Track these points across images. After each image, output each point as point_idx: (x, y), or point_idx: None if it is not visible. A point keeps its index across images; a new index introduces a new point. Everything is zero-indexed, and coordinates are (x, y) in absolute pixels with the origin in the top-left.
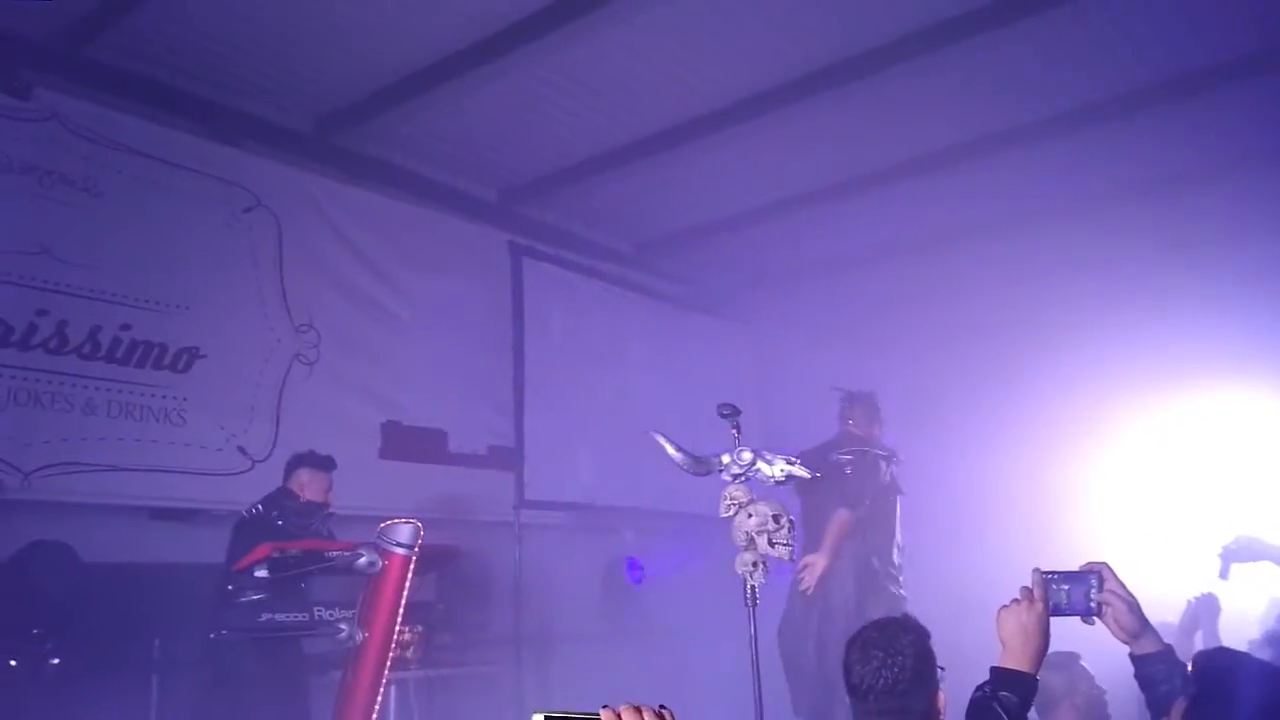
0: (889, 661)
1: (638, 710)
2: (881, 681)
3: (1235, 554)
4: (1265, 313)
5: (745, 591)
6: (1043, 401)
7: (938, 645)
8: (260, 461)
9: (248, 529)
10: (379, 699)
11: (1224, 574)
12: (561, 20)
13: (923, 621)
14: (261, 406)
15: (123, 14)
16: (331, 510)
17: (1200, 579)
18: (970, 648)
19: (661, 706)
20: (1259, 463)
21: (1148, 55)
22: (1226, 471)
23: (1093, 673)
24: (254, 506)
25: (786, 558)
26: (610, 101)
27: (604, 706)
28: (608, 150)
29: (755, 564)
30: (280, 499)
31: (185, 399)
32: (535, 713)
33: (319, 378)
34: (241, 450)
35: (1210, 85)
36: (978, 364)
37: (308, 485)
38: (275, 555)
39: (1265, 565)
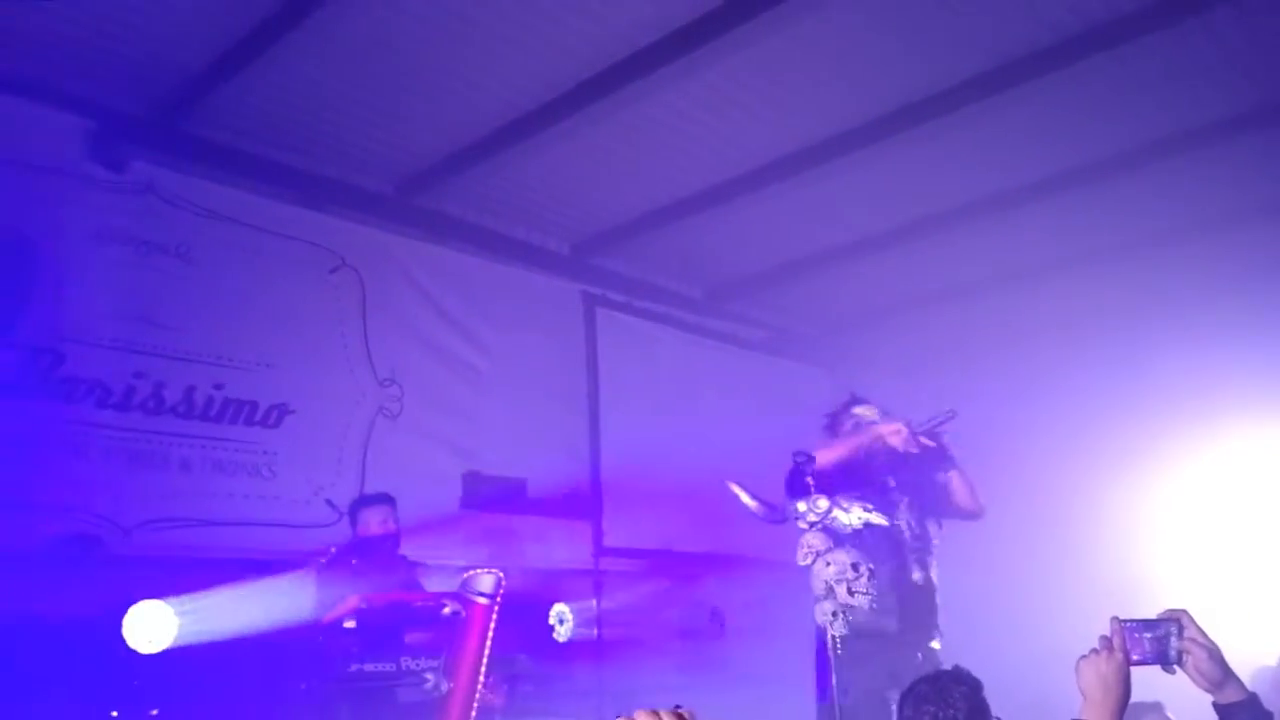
0: (940, 716)
1: (655, 714)
2: None
3: None
4: None
5: (827, 641)
6: (1120, 441)
7: (1013, 701)
8: (346, 514)
9: (330, 577)
10: None
11: None
12: (628, 78)
13: (978, 668)
14: (348, 459)
15: (211, 87)
16: (398, 538)
17: None
18: (1047, 702)
19: (677, 707)
20: None
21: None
22: None
23: None
24: (331, 551)
25: (867, 607)
26: (678, 152)
27: (618, 716)
28: (676, 199)
29: (835, 613)
30: (353, 543)
31: (275, 454)
32: None
33: (402, 430)
34: (329, 503)
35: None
36: (1055, 402)
37: (369, 523)
38: (363, 606)
39: None
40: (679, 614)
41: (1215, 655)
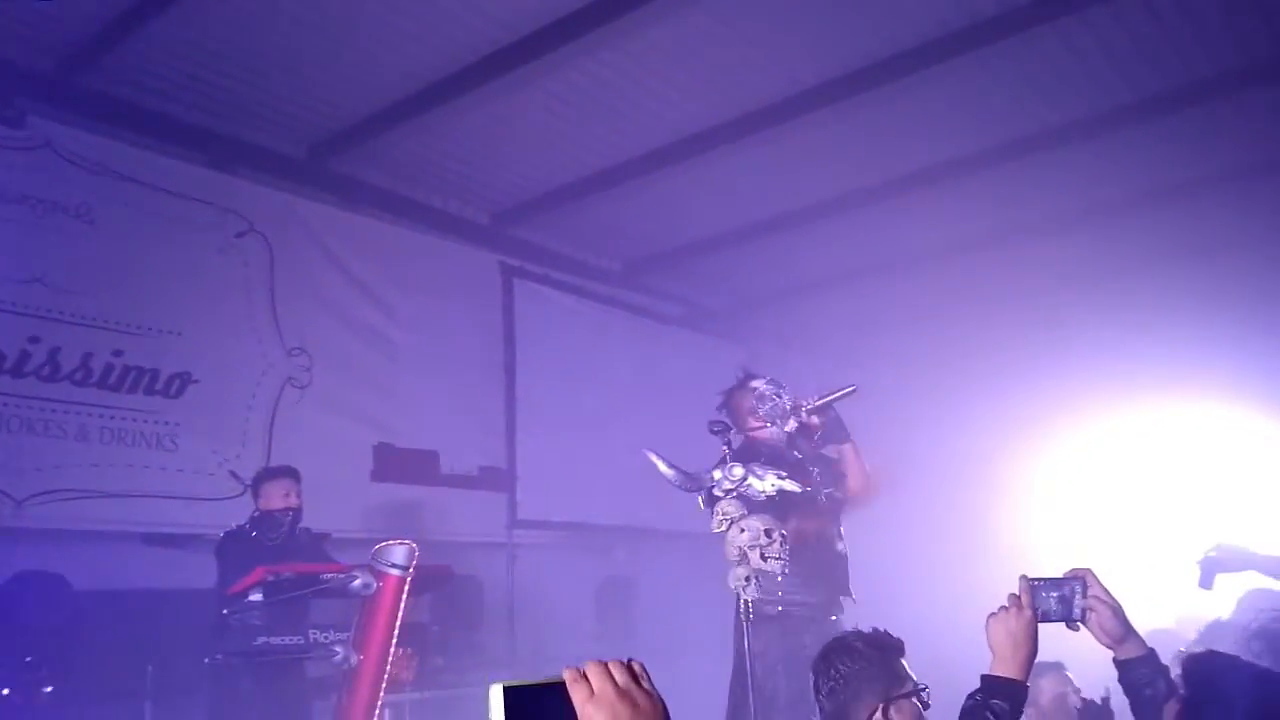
0: (822, 684)
1: (603, 664)
2: (821, 700)
3: (1219, 563)
4: (1254, 330)
5: (739, 606)
6: (1030, 415)
7: (922, 658)
8: (249, 486)
9: (231, 550)
10: None
11: (1206, 583)
12: (550, 45)
13: (903, 633)
14: (254, 431)
15: (115, 42)
16: (300, 511)
17: (1182, 588)
18: (957, 658)
19: (630, 658)
20: (1238, 474)
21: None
22: (1206, 482)
23: (1076, 682)
24: (231, 525)
25: (778, 571)
26: (599, 123)
27: (567, 669)
28: (597, 171)
29: (748, 579)
30: (254, 517)
31: (178, 424)
32: (493, 684)
33: (311, 401)
34: (234, 475)
35: (1195, 100)
36: (967, 380)
37: (271, 496)
38: (269, 579)
39: (1250, 575)
40: (593, 585)
41: (1118, 612)
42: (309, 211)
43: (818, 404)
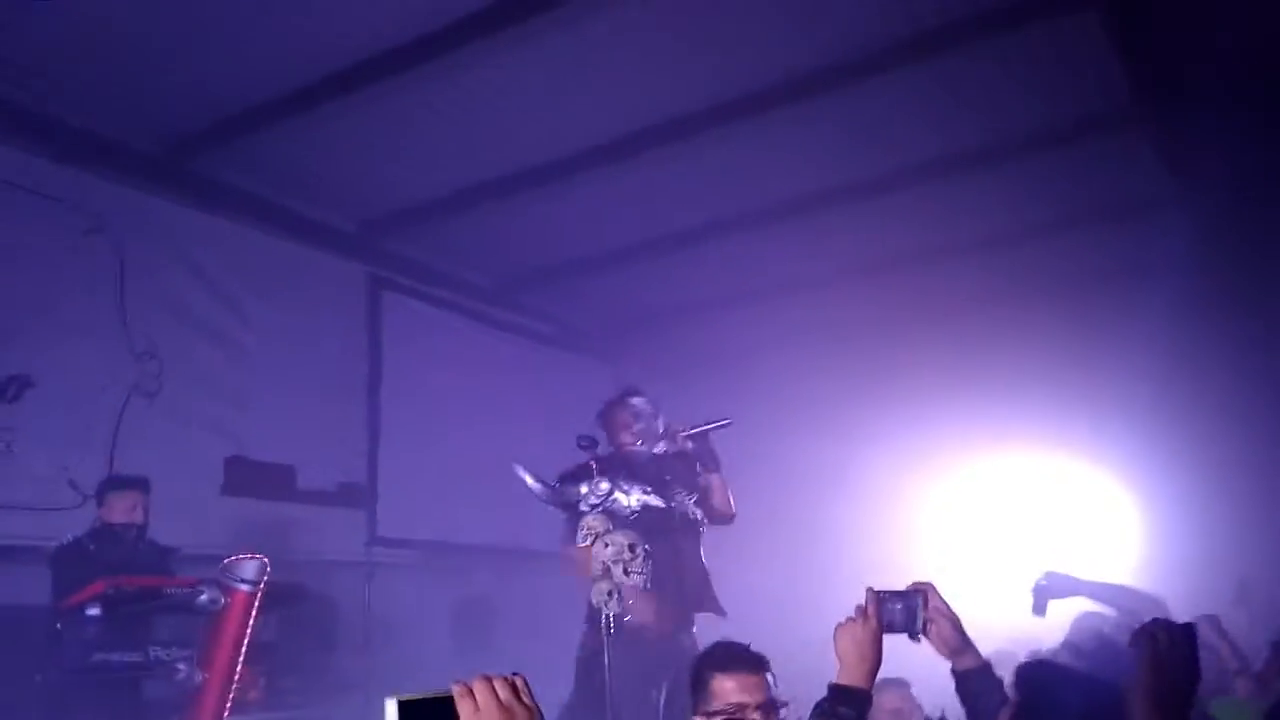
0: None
1: (488, 679)
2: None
3: (1049, 590)
4: (1085, 383)
5: (601, 620)
6: (887, 451)
7: (791, 672)
8: (92, 496)
9: (65, 562)
10: None
11: (1039, 610)
12: (427, 55)
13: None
14: (96, 438)
15: None
16: (145, 525)
17: (1019, 611)
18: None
19: (514, 674)
20: (1066, 511)
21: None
22: (1039, 519)
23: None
24: (67, 537)
25: (641, 586)
26: (475, 136)
27: (455, 681)
28: (470, 185)
29: (610, 593)
30: (94, 529)
31: (13, 429)
32: (389, 697)
33: (160, 409)
34: (72, 484)
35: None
36: (826, 409)
37: (114, 508)
38: (110, 592)
39: (1080, 601)
40: (452, 606)
41: (957, 624)
42: (164, 212)
43: (694, 431)
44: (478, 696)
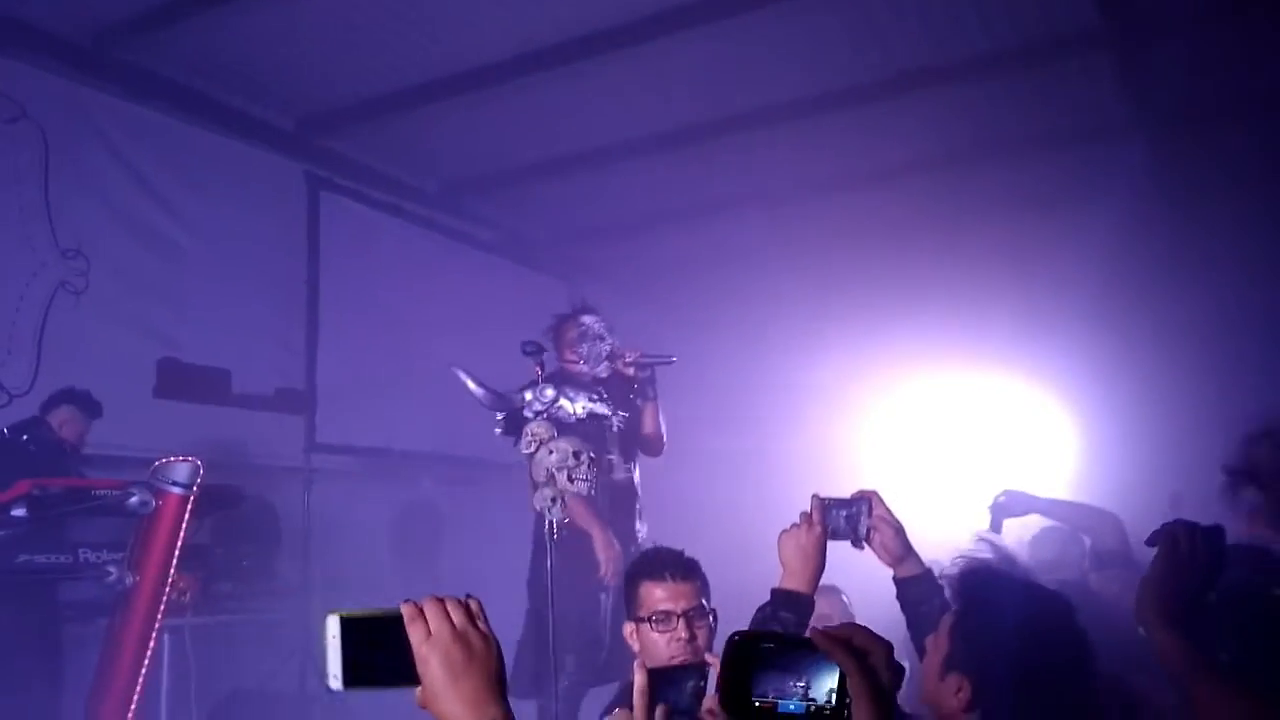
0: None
1: (440, 601)
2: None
3: (1005, 508)
4: (1027, 302)
5: (545, 527)
6: (833, 367)
7: (724, 583)
8: (19, 396)
9: None
10: (151, 647)
11: (996, 527)
12: None
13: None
14: (21, 337)
15: None
16: (85, 453)
17: (969, 528)
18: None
19: (468, 595)
20: (1023, 435)
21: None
22: (995, 440)
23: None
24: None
25: (585, 493)
26: (421, 31)
27: (405, 601)
28: (417, 83)
29: (554, 499)
30: (33, 427)
31: None
32: (330, 613)
33: (88, 308)
34: None
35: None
36: (777, 327)
37: (66, 424)
38: (35, 493)
39: (1034, 519)
40: (394, 513)
41: (900, 532)
42: (91, 101)
43: (636, 360)
44: (430, 620)
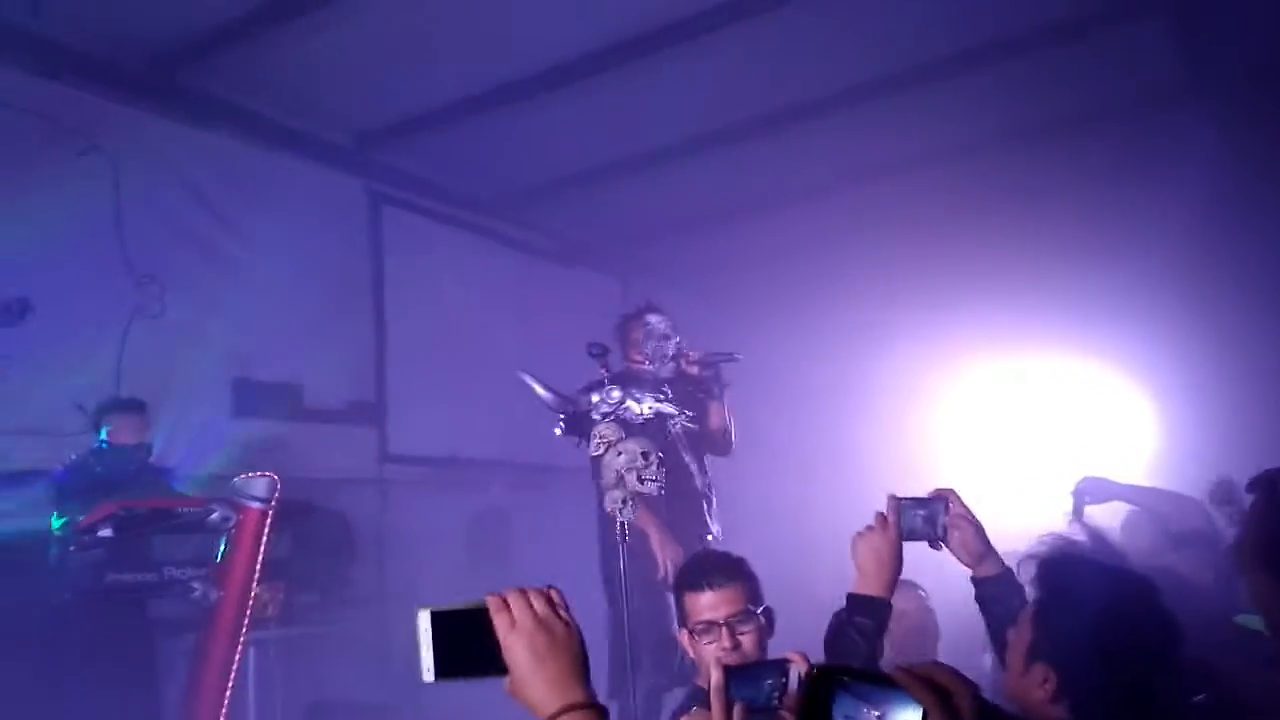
0: None
1: (523, 592)
2: None
3: (1086, 494)
4: (1123, 288)
5: (616, 529)
6: (903, 356)
7: (795, 581)
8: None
9: (72, 485)
10: (237, 660)
11: (1078, 515)
12: None
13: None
14: (100, 363)
15: None
16: (150, 446)
17: (1049, 518)
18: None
19: (550, 586)
20: (1098, 418)
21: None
22: (1070, 424)
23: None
24: (71, 457)
25: (655, 494)
26: (470, 44)
27: (490, 593)
28: (469, 95)
29: (625, 500)
30: (106, 455)
31: (11, 356)
32: (421, 608)
33: (163, 332)
34: (81, 409)
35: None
36: (843, 318)
37: (119, 430)
38: (121, 513)
39: (1115, 505)
40: (466, 521)
41: (979, 530)
42: (156, 128)
43: (701, 358)
44: (514, 610)
